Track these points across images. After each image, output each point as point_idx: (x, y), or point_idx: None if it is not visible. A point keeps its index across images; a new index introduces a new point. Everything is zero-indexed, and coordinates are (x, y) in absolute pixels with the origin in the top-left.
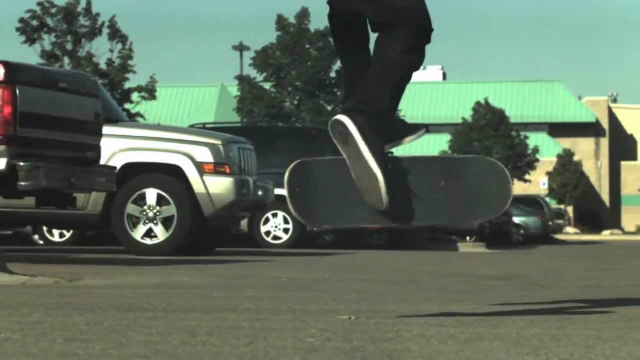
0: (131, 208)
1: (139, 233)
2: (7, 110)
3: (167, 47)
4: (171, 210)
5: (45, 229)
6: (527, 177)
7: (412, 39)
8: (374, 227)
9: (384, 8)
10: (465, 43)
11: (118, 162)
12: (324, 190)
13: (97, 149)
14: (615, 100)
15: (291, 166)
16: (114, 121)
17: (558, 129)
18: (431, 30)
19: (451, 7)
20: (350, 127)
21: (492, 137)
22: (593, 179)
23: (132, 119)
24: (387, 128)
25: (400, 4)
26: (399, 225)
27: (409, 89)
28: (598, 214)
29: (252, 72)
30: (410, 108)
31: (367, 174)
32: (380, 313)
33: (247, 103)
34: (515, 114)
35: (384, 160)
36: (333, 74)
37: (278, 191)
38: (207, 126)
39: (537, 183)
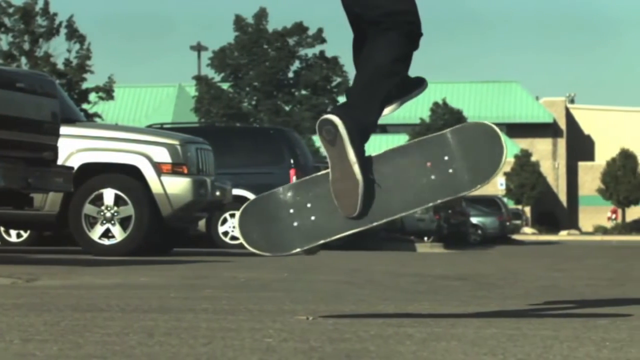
0: (88, 208)
1: (96, 233)
2: None
3: (124, 47)
4: (129, 210)
5: (1, 229)
6: None
7: (401, 43)
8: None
9: (376, 10)
10: (423, 43)
11: (75, 162)
12: (279, 218)
13: (55, 149)
14: (572, 101)
15: (238, 216)
16: (72, 121)
17: (515, 129)
18: (420, 35)
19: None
20: (340, 128)
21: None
22: (550, 179)
23: (89, 119)
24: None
25: (393, 8)
26: (378, 223)
27: None
28: (555, 214)
29: (209, 72)
30: None
31: (347, 178)
32: (338, 313)
33: (204, 103)
34: (472, 114)
35: (366, 168)
36: (291, 74)
37: (236, 191)
38: (165, 126)
39: (495, 183)
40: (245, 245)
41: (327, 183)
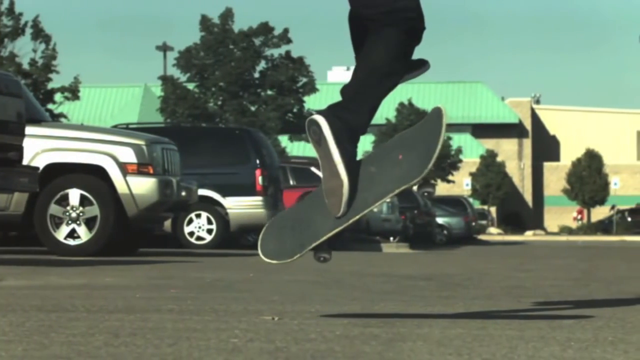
0: (54, 208)
1: (61, 233)
2: None
3: (90, 47)
4: (94, 210)
5: None
6: (450, 177)
7: (400, 41)
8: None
9: (376, 8)
10: None
11: (41, 163)
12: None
13: (20, 149)
14: (538, 101)
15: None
16: (37, 121)
17: (481, 130)
18: (422, 29)
19: None
20: (324, 129)
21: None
22: (516, 180)
23: (55, 119)
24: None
25: (394, 6)
26: (353, 220)
27: (333, 89)
28: (521, 214)
29: (175, 73)
30: None
31: (334, 177)
32: (303, 313)
33: (170, 103)
34: None
35: (354, 167)
36: (257, 75)
37: (201, 191)
38: (131, 126)
39: (460, 184)
40: (260, 255)
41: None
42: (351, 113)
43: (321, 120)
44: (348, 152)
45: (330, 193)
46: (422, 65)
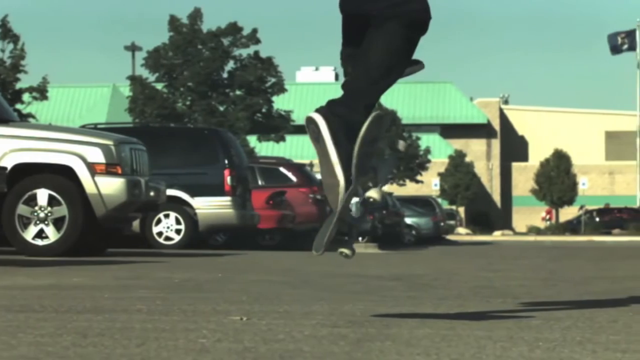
0: (22, 209)
1: (29, 234)
2: None
3: (59, 47)
4: (62, 210)
5: None
6: (418, 177)
7: (402, 35)
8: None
9: (378, 3)
10: None
11: (8, 163)
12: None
13: None
14: (506, 102)
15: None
16: (5, 121)
17: (450, 130)
18: (427, 20)
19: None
20: (322, 129)
21: (384, 138)
22: (484, 180)
23: (23, 119)
24: None
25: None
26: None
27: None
28: (489, 214)
29: (144, 73)
30: (302, 109)
31: (331, 176)
32: (272, 313)
33: (139, 103)
34: (407, 115)
35: (349, 166)
36: (225, 75)
37: (170, 192)
38: (99, 126)
39: (429, 184)
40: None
41: None
42: (350, 109)
43: (319, 119)
44: (346, 151)
45: (329, 189)
46: (415, 64)
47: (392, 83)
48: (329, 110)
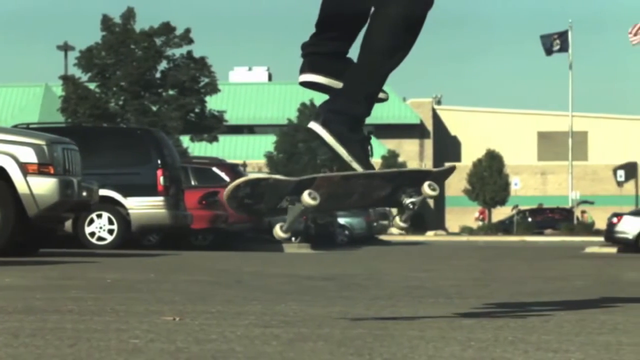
0: None
1: None
2: None
3: None
4: None
5: None
6: None
7: (404, 14)
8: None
9: None
10: (290, 43)
11: None
12: None
13: None
14: (439, 102)
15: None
16: None
17: (383, 130)
18: (430, 3)
19: (275, 7)
20: (324, 136)
21: (317, 138)
22: None
23: None
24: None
25: None
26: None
27: (234, 89)
28: (422, 214)
29: (76, 72)
30: (235, 109)
31: (352, 169)
32: (204, 314)
33: (71, 103)
34: None
35: (367, 155)
36: (158, 75)
37: (103, 192)
38: (31, 126)
39: None
40: None
41: None
42: (350, 100)
43: (318, 129)
44: (355, 144)
45: None
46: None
47: (395, 66)
48: (327, 110)
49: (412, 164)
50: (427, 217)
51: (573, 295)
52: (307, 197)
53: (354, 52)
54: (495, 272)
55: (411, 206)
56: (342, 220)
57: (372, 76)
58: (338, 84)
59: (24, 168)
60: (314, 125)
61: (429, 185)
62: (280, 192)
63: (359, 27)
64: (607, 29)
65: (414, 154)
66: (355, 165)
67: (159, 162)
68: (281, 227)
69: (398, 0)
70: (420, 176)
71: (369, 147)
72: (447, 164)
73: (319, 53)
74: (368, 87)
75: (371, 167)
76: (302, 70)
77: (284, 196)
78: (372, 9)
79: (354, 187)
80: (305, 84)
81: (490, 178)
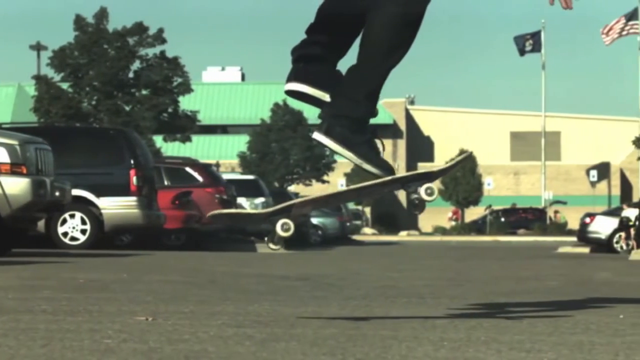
0: None
1: None
2: None
3: None
4: None
5: None
6: (325, 178)
7: (401, 12)
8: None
9: None
10: (264, 43)
11: None
12: None
13: None
14: (412, 102)
15: None
16: None
17: None
18: None
19: (248, 7)
20: (329, 144)
21: (290, 138)
22: None
23: None
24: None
25: None
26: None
27: (207, 89)
28: (395, 214)
29: (49, 72)
30: (208, 109)
31: (368, 172)
32: (177, 314)
33: (44, 103)
34: (313, 116)
35: (377, 153)
36: (131, 74)
37: (75, 192)
38: (4, 126)
39: (335, 184)
40: None
41: None
42: (351, 100)
43: (322, 138)
44: (363, 146)
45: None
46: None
47: (395, 64)
48: (328, 116)
49: None
50: (400, 217)
51: (546, 295)
52: (280, 230)
53: (349, 61)
54: (469, 272)
55: (417, 202)
56: (315, 220)
57: (371, 74)
58: (324, 95)
59: None
60: (317, 136)
61: (426, 190)
62: (256, 221)
63: (351, 35)
64: (580, 29)
65: (386, 154)
66: (366, 166)
67: (132, 162)
68: (271, 240)
69: None
70: (407, 180)
71: (379, 144)
72: (428, 166)
73: (308, 56)
74: (368, 86)
75: (383, 164)
76: (289, 79)
77: (263, 222)
78: (369, 10)
79: (341, 199)
80: (290, 93)
81: (463, 178)
